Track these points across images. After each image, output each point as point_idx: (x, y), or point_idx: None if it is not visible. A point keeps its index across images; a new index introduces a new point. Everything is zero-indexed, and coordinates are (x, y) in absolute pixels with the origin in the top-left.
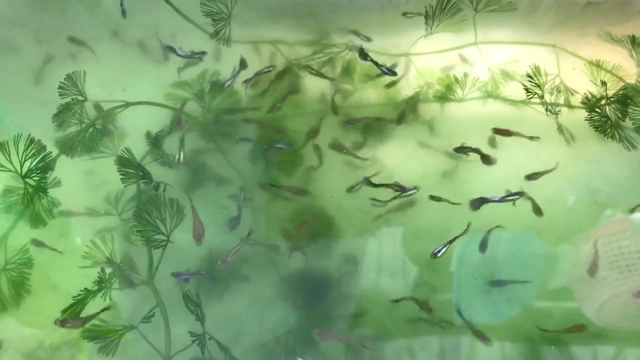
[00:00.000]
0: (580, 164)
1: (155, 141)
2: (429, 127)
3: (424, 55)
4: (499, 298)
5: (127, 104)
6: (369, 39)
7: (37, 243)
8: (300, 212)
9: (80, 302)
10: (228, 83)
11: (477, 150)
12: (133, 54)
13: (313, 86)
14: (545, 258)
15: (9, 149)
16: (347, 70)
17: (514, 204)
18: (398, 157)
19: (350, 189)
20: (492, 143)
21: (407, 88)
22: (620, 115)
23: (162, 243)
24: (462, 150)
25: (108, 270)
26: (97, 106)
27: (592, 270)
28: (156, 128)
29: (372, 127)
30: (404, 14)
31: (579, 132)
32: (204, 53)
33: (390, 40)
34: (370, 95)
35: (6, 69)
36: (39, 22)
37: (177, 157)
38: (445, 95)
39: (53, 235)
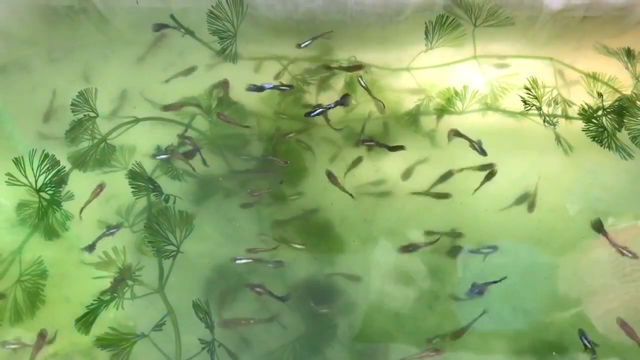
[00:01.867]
0: (579, 174)
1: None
2: (430, 139)
3: (425, 69)
4: (504, 306)
5: (137, 120)
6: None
7: None
8: (306, 221)
9: (93, 311)
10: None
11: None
12: (142, 70)
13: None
14: (546, 266)
15: (24, 164)
16: (350, 85)
17: None
18: (400, 168)
19: None
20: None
21: (408, 101)
22: (616, 126)
23: (173, 253)
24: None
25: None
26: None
27: None
28: (165, 143)
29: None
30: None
31: (576, 142)
32: (290, 87)
33: (391, 55)
34: (372, 108)
35: (20, 87)
36: (50, 41)
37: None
38: (445, 108)
39: (65, 247)
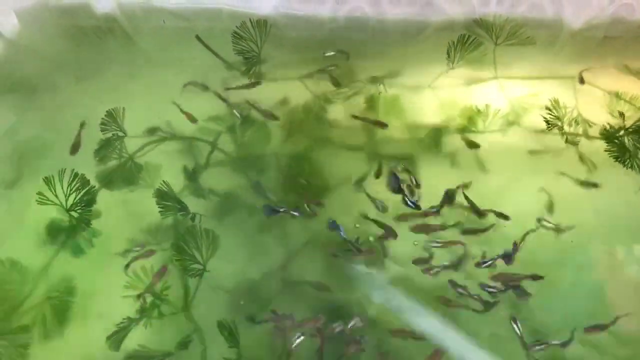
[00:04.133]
0: (602, 193)
1: (191, 174)
2: (450, 158)
3: (446, 88)
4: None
5: (164, 139)
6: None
7: None
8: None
9: (123, 330)
10: None
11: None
12: (166, 89)
13: (340, 120)
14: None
15: (54, 183)
16: (371, 105)
17: None
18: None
19: None
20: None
21: (430, 120)
22: (639, 145)
23: (199, 272)
24: None
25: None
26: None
27: None
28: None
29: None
30: None
31: (598, 162)
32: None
33: (412, 75)
34: (393, 127)
35: (48, 106)
36: (77, 61)
37: None
38: (467, 128)
39: (94, 265)
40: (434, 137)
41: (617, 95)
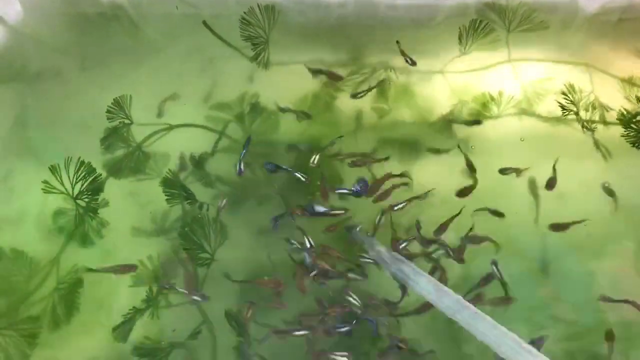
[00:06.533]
0: (619, 180)
1: (197, 162)
2: (464, 144)
3: (458, 74)
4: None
5: (171, 127)
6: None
7: None
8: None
9: (129, 320)
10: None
11: None
12: (174, 76)
13: (347, 104)
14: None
15: (60, 172)
16: (382, 90)
17: None
18: (431, 174)
19: None
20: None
21: (441, 106)
22: None
23: (207, 261)
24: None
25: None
26: None
27: None
28: (198, 149)
29: (407, 144)
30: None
31: (614, 147)
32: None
33: (423, 60)
34: (404, 113)
35: (54, 94)
36: (82, 49)
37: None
38: (480, 113)
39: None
40: (446, 122)
41: (631, 81)
